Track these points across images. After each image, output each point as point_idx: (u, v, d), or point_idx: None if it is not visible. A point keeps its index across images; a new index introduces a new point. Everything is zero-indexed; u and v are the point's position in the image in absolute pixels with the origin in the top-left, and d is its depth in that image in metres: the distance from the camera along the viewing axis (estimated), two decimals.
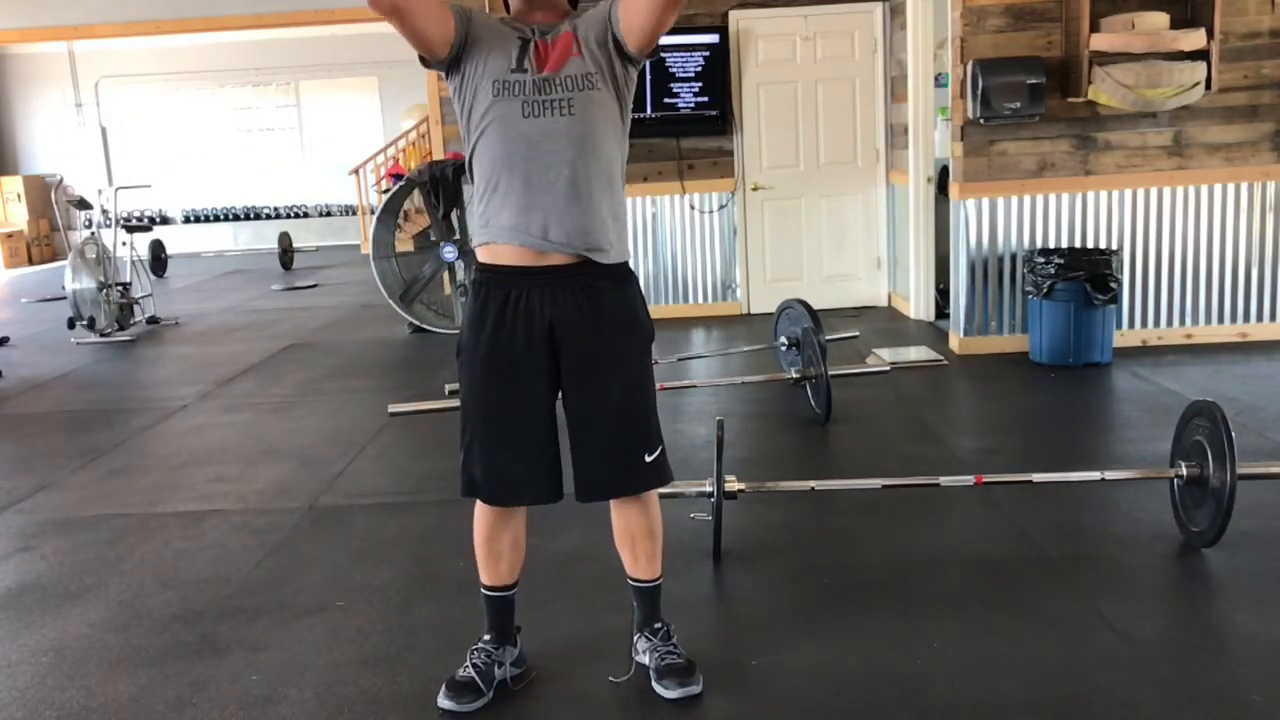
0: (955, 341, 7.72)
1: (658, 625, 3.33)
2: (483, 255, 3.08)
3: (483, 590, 3.32)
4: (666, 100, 9.11)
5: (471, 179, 3.08)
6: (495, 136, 2.97)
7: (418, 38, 2.89)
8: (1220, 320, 7.56)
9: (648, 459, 3.15)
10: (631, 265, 3.21)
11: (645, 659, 3.31)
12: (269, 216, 19.47)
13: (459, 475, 3.19)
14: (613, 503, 3.24)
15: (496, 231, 3.01)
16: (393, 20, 2.82)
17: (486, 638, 3.31)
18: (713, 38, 9.09)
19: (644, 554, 3.28)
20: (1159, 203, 7.42)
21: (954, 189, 7.56)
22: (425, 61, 3.01)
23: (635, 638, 3.37)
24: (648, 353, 3.23)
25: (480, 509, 3.23)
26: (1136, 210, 7.42)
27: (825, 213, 9.56)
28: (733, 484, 4.17)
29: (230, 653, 3.65)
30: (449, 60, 2.97)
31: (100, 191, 12.13)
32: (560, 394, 3.15)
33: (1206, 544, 4.03)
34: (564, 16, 3.06)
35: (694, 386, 6.89)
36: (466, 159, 3.07)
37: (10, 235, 17.83)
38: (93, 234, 10.44)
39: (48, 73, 18.89)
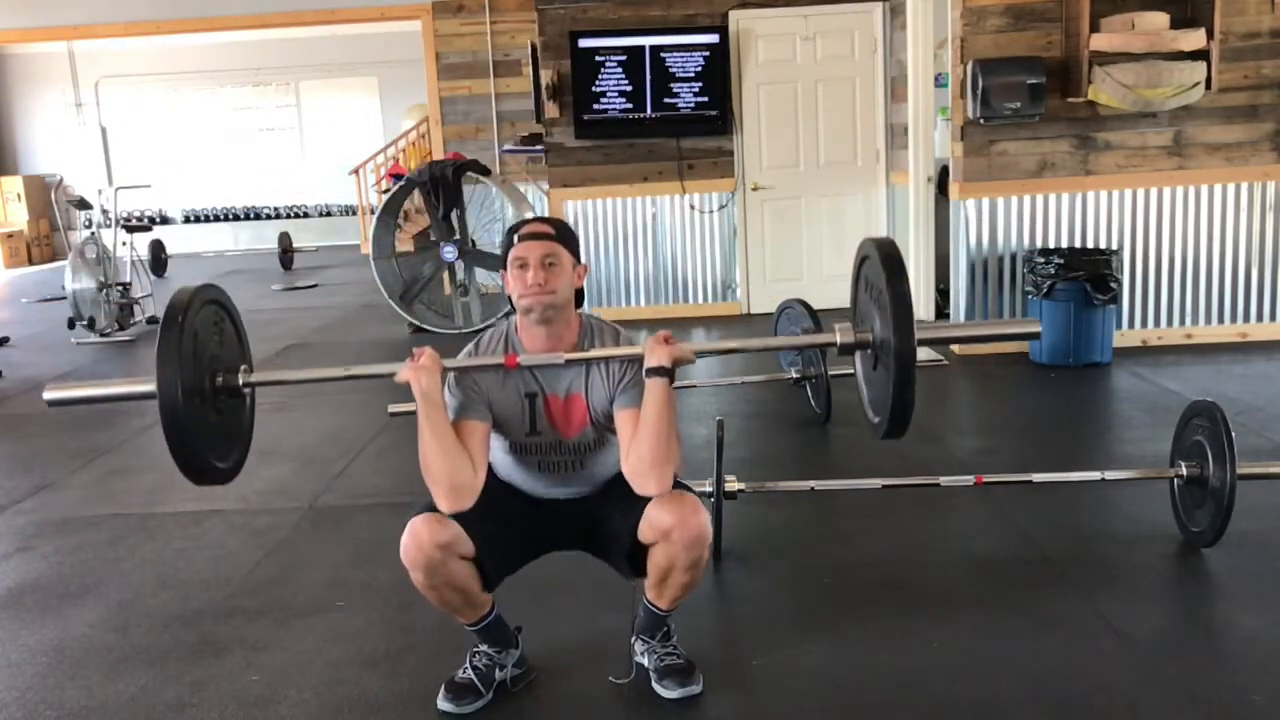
0: None
1: (658, 631, 3.31)
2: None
3: (464, 627, 3.27)
4: (666, 100, 9.11)
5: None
6: (512, 467, 3.26)
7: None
8: (1220, 320, 7.56)
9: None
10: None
11: (645, 660, 3.31)
12: (269, 216, 19.46)
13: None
14: (661, 548, 3.00)
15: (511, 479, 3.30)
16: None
17: (484, 646, 3.30)
18: (712, 38, 9.08)
19: (670, 597, 3.17)
20: (1159, 203, 7.42)
21: (954, 189, 7.56)
22: None
23: (633, 639, 3.36)
24: None
25: (419, 580, 3.03)
26: (1136, 210, 7.42)
27: (825, 213, 9.56)
28: (733, 484, 4.17)
29: (230, 653, 3.66)
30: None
31: (100, 191, 12.14)
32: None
33: (1206, 544, 4.03)
34: (578, 334, 3.17)
35: (694, 386, 6.88)
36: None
37: (10, 235, 17.83)
38: (93, 234, 10.44)
39: (48, 73, 18.88)
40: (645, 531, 3.02)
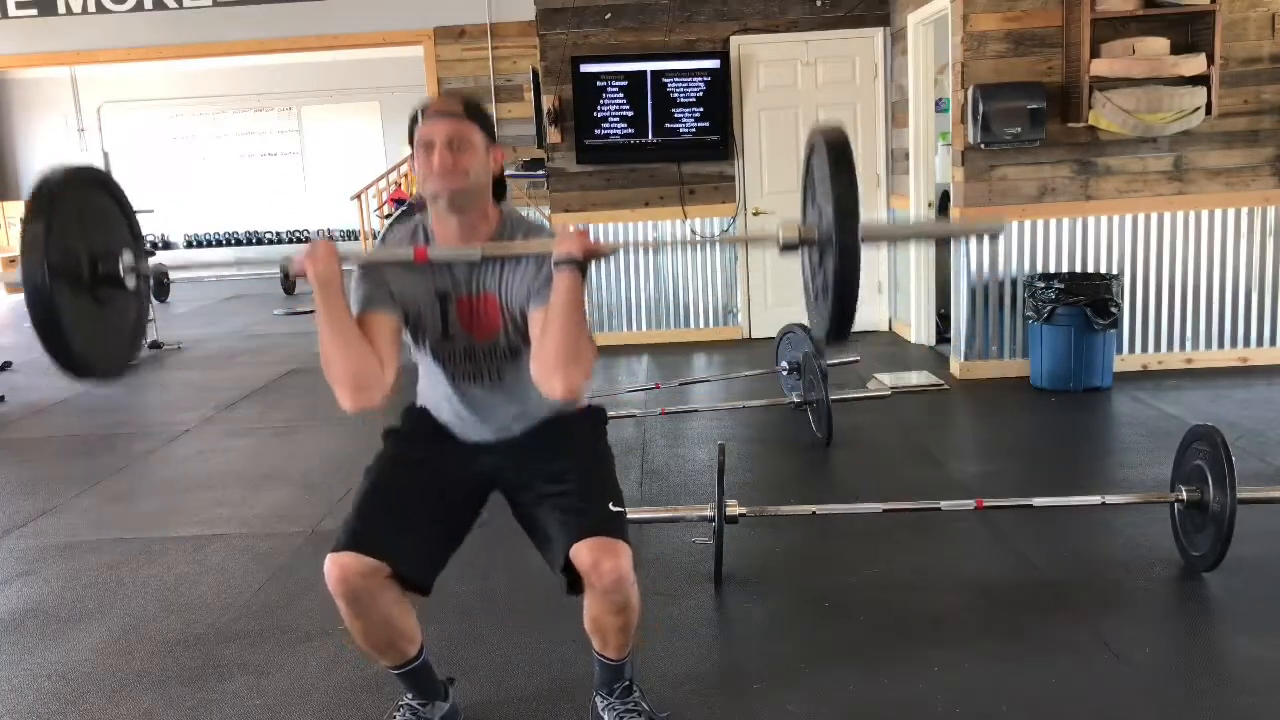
0: (956, 366, 7.73)
1: (616, 684, 3.15)
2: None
3: (388, 670, 3.08)
4: (668, 125, 9.15)
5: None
6: (430, 378, 3.05)
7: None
8: (1221, 345, 7.57)
9: (613, 506, 2.88)
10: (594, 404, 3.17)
11: (605, 717, 3.16)
12: (271, 241, 19.50)
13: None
14: (588, 596, 2.85)
15: (437, 412, 3.08)
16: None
17: (409, 695, 3.17)
18: (714, 63, 9.13)
19: (614, 644, 3.01)
20: (1159, 227, 7.43)
21: (954, 213, 7.58)
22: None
23: (594, 695, 3.21)
24: (600, 436, 3.16)
25: (344, 610, 2.82)
26: (1137, 235, 7.44)
27: None
28: (734, 508, 4.17)
29: (233, 677, 3.66)
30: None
31: None
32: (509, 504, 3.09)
33: (1207, 568, 4.03)
34: (496, 228, 2.89)
35: (695, 411, 6.90)
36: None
37: (13, 260, 17.85)
38: None
39: (50, 98, 18.93)
40: (574, 557, 2.78)
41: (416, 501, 2.94)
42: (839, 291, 2.62)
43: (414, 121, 2.79)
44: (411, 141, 2.79)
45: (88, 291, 2.69)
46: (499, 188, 2.93)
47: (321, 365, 2.72)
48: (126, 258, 2.76)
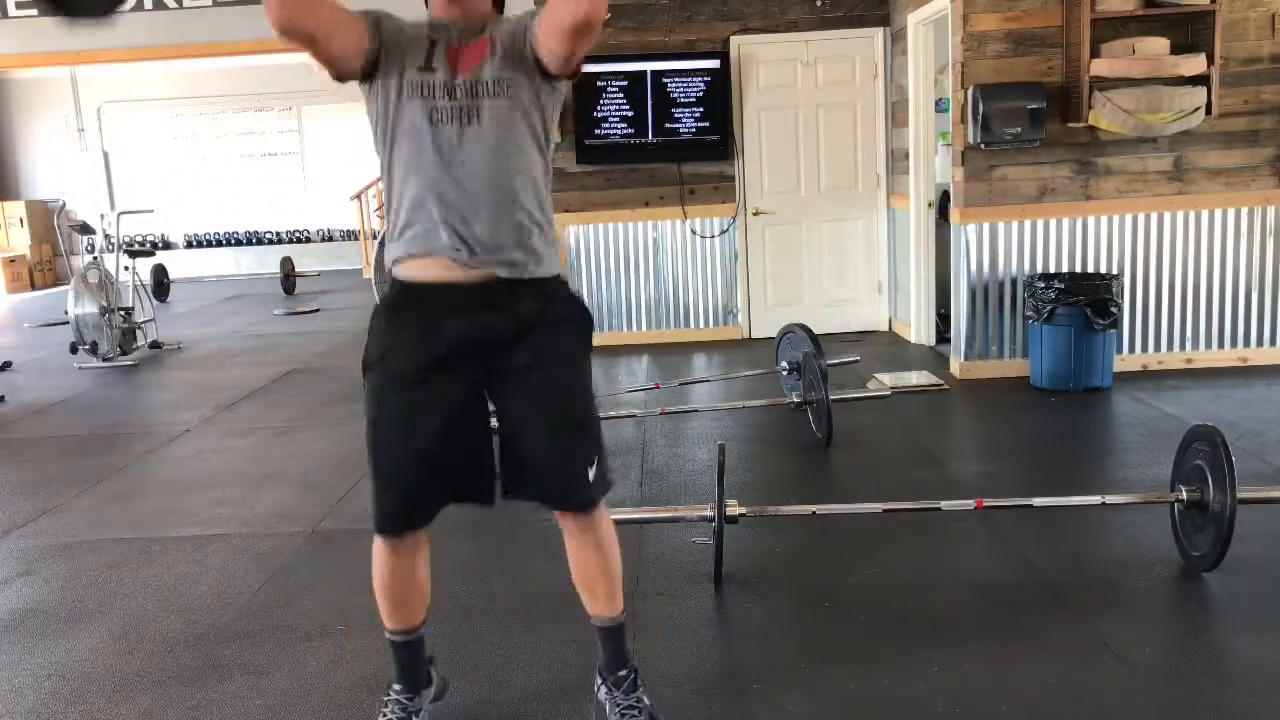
0: (956, 366, 7.73)
1: (622, 673, 3.13)
2: (399, 271, 2.91)
3: (388, 636, 3.13)
4: (668, 125, 9.16)
5: (387, 193, 2.90)
6: (405, 143, 2.83)
7: (331, 57, 2.77)
8: (1221, 345, 7.57)
9: (590, 473, 2.92)
10: (585, 283, 3.10)
11: (607, 708, 3.15)
12: (271, 241, 19.51)
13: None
14: (566, 541, 3.01)
15: (410, 243, 2.85)
16: (307, 47, 2.69)
17: (397, 688, 3.17)
18: (714, 63, 9.13)
19: (603, 594, 3.06)
20: (1159, 227, 7.44)
21: (955, 214, 7.58)
22: (339, 77, 2.85)
23: (598, 684, 3.21)
24: (585, 352, 3.03)
25: (378, 547, 2.98)
26: (1137, 235, 7.45)
27: (826, 237, 9.58)
28: (734, 508, 4.17)
29: (233, 677, 3.66)
30: (362, 71, 2.83)
31: (103, 216, 12.14)
32: (491, 406, 3.00)
33: (1207, 568, 4.03)
34: (487, 20, 2.89)
35: (695, 411, 6.90)
36: (383, 172, 2.92)
37: (13, 260, 17.86)
38: (95, 259, 10.45)
39: (50, 98, 18.93)
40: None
41: (430, 439, 2.88)
42: None
43: None
44: None
45: None
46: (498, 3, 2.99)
47: None
48: None
